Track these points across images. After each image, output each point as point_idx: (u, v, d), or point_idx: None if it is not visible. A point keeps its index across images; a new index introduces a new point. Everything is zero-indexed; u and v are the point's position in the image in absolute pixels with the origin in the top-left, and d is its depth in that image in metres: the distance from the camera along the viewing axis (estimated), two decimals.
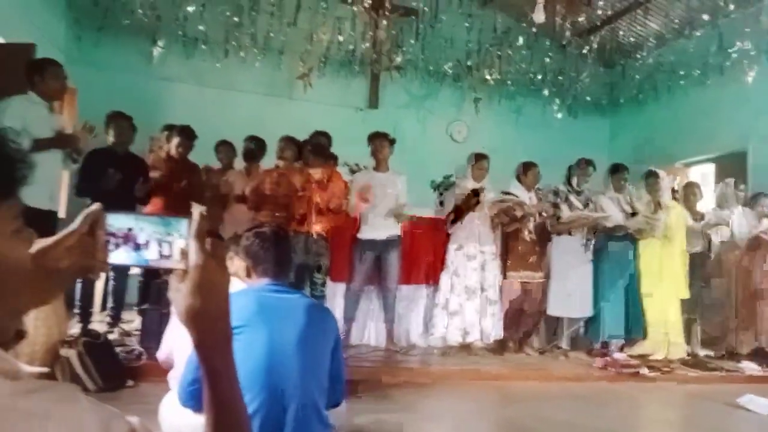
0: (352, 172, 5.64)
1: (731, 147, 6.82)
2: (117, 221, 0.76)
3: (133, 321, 4.65)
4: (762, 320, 5.46)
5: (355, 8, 6.71)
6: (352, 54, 7.26)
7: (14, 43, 4.41)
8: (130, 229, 0.76)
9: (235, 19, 6.54)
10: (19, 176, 0.63)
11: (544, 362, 4.85)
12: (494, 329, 4.79)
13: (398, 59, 6.83)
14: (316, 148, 4.70)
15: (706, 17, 6.23)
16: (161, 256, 0.75)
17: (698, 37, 6.55)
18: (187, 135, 4.81)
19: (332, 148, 5.21)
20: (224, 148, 5.38)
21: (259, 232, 1.94)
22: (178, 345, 2.09)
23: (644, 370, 4.66)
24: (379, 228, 4.68)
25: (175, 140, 4.76)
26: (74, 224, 0.75)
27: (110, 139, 4.43)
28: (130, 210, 4.26)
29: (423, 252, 5.04)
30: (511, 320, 4.90)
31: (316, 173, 4.59)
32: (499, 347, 4.96)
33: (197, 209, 0.71)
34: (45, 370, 3.07)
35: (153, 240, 0.75)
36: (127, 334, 4.38)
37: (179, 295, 0.69)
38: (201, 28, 6.64)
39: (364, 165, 5.41)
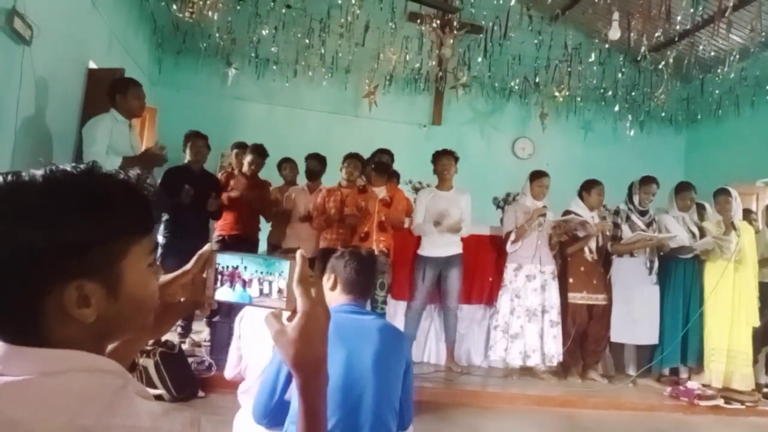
0: (416, 190, 5.67)
1: None
2: (224, 260, 0.82)
3: (201, 332, 4.84)
4: None
5: (422, 27, 6.77)
6: (418, 72, 7.33)
7: (106, 68, 4.75)
8: (236, 267, 0.81)
9: (306, 40, 6.76)
10: (154, 216, 0.70)
11: (611, 389, 4.65)
12: (557, 352, 4.64)
13: (464, 77, 6.82)
14: (379, 166, 4.76)
15: None
16: (261, 293, 0.79)
17: None
18: (260, 153, 5.00)
19: (396, 165, 5.27)
20: (288, 165, 5.54)
21: (353, 253, 1.99)
22: (252, 360, 2.17)
23: (720, 402, 4.38)
24: (440, 245, 4.66)
25: (249, 158, 4.96)
26: (190, 264, 0.83)
27: (187, 157, 4.67)
28: (203, 225, 4.48)
29: (484, 271, 4.98)
30: (574, 343, 4.73)
31: (380, 191, 4.65)
32: (563, 371, 4.79)
33: (300, 252, 0.75)
34: (158, 392, 3.26)
35: (256, 278, 0.79)
36: (198, 345, 4.56)
37: (286, 339, 0.72)
38: (273, 49, 6.91)
39: (427, 183, 5.42)
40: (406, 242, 4.83)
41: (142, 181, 0.69)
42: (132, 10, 5.96)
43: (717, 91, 7.26)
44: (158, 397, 3.25)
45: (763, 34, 6.13)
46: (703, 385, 4.63)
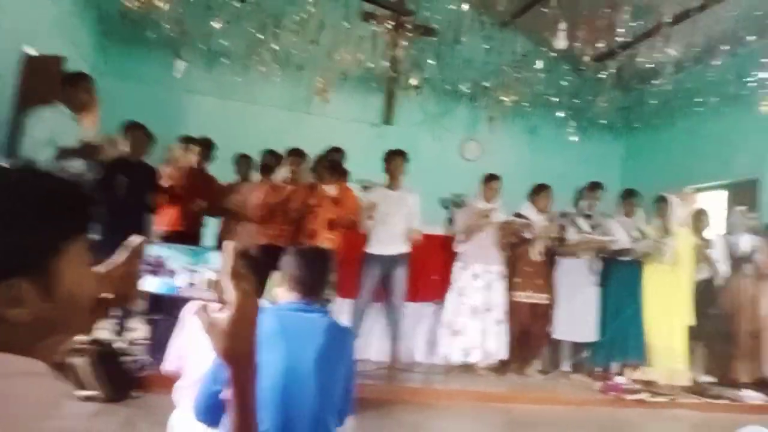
0: (365, 188, 5.73)
1: (744, 174, 6.80)
2: (151, 250, 0.82)
3: (137, 329, 4.74)
4: (766, 350, 5.43)
5: (376, 28, 6.82)
6: (371, 71, 7.37)
7: (46, 55, 4.58)
8: (162, 258, 0.81)
9: (259, 35, 6.69)
10: (92, 214, 0.71)
11: (547, 385, 4.87)
12: (499, 350, 4.81)
13: (416, 78, 6.92)
14: (330, 165, 4.79)
15: (725, 47, 6.24)
16: (189, 285, 0.80)
17: (716, 65, 6.55)
18: (207, 146, 4.92)
19: (347, 163, 5.31)
20: (242, 160, 5.49)
21: (304, 249, 2.00)
22: (192, 358, 2.16)
23: (646, 396, 4.66)
24: (388, 244, 4.74)
25: (195, 151, 4.87)
26: (120, 256, 0.82)
27: (125, 148, 4.53)
28: (138, 219, 4.37)
29: (430, 269, 5.09)
30: (516, 341, 4.92)
31: (330, 189, 4.68)
32: (501, 368, 4.97)
33: (230, 244, 0.75)
34: (91, 392, 3.16)
35: (182, 269, 0.81)
36: (135, 343, 4.44)
37: (218, 331, 0.73)
38: (225, 43, 6.81)
39: (377, 182, 5.48)
40: (354, 240, 4.89)
41: (79, 178, 0.70)
42: None
43: (654, 102, 7.64)
44: (91, 398, 3.19)
45: (697, 48, 6.50)
46: (633, 380, 4.92)
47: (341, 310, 4.91)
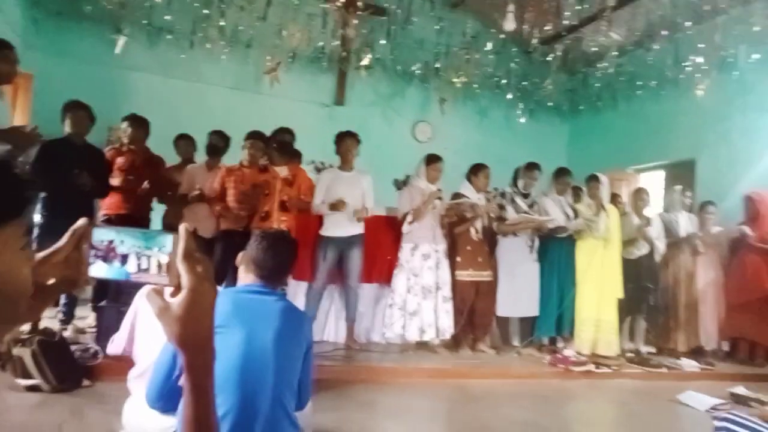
0: (318, 170, 5.68)
1: (681, 156, 7.16)
2: (99, 234, 0.78)
3: (86, 317, 4.56)
4: (702, 321, 5.79)
5: (326, 5, 6.71)
6: (321, 51, 7.26)
7: None
8: (111, 242, 0.77)
9: (204, 11, 6.45)
10: (27, 196, 0.67)
11: (499, 360, 5.01)
12: (450, 326, 4.91)
13: (367, 58, 6.87)
14: (281, 146, 4.71)
15: (664, 32, 6.49)
16: (140, 269, 0.76)
17: (656, 50, 6.82)
18: (138, 123, 4.70)
19: (298, 144, 5.24)
20: (183, 142, 5.29)
21: (266, 233, 1.97)
22: (145, 344, 2.10)
23: (592, 367, 4.88)
24: (342, 225, 4.72)
25: (125, 129, 4.65)
26: (63, 240, 0.77)
27: (66, 129, 4.30)
28: (86, 203, 4.16)
29: (383, 251, 5.12)
30: (464, 318, 5.02)
31: (282, 171, 4.61)
32: (455, 345, 5.08)
33: (183, 226, 0.71)
34: (35, 382, 3.01)
35: (133, 253, 0.77)
36: (82, 331, 4.29)
37: (170, 316, 0.69)
38: (167, 17, 6.52)
39: (330, 163, 5.44)
40: (308, 222, 4.84)
41: (10, 160, 0.66)
42: None
43: (597, 85, 7.90)
44: (35, 388, 3.05)
45: (638, 33, 6.74)
46: (578, 353, 5.13)
47: (297, 292, 4.88)
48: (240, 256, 1.99)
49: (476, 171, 5.19)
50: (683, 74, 6.44)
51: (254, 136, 4.64)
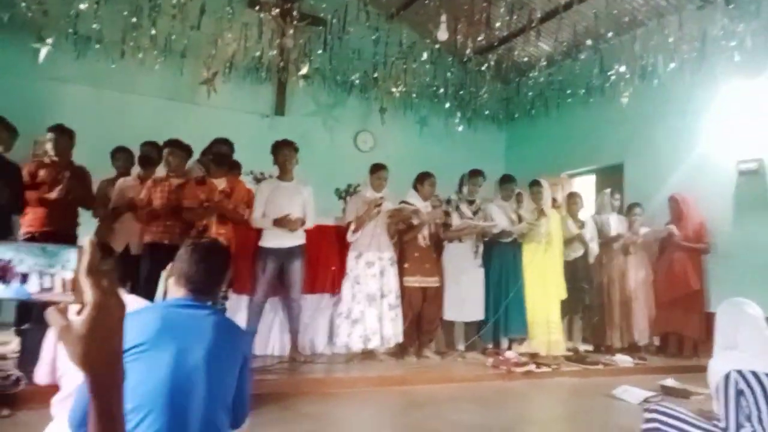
0: (257, 180, 5.59)
1: (610, 160, 7.51)
2: None
3: (8, 343, 4.28)
4: (635, 318, 6.07)
5: (262, 15, 6.65)
6: (259, 60, 7.18)
7: None
8: (9, 261, 0.72)
9: (133, 19, 6.24)
10: None
11: (443, 365, 5.07)
12: (395, 334, 4.93)
13: (305, 68, 6.84)
14: (217, 158, 4.61)
15: (589, 42, 6.82)
16: (42, 288, 0.72)
17: (583, 60, 7.14)
18: (63, 134, 4.49)
19: (237, 155, 5.15)
20: (121, 155, 5.13)
21: (196, 244, 1.89)
22: (68, 368, 1.99)
23: (532, 367, 5.01)
24: (282, 237, 4.66)
25: (49, 140, 4.44)
26: None
27: None
28: (4, 221, 3.92)
29: (327, 261, 5.09)
30: (411, 324, 5.06)
31: (220, 183, 4.51)
32: (400, 352, 5.11)
33: (88, 239, 0.68)
34: None
35: (35, 272, 0.72)
36: (3, 357, 4.03)
37: (72, 336, 0.65)
38: (94, 26, 6.27)
39: (269, 174, 5.37)
40: (247, 234, 4.76)
41: None
42: None
43: (530, 93, 8.18)
44: None
45: (565, 44, 7.05)
46: (520, 354, 5.27)
47: (238, 306, 4.77)
48: (169, 268, 1.92)
49: (422, 179, 5.28)
50: (608, 83, 6.75)
51: (173, 144, 4.49)
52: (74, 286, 0.69)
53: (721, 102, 6.12)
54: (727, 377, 2.74)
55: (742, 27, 5.58)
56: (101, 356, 0.66)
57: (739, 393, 2.69)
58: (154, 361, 1.63)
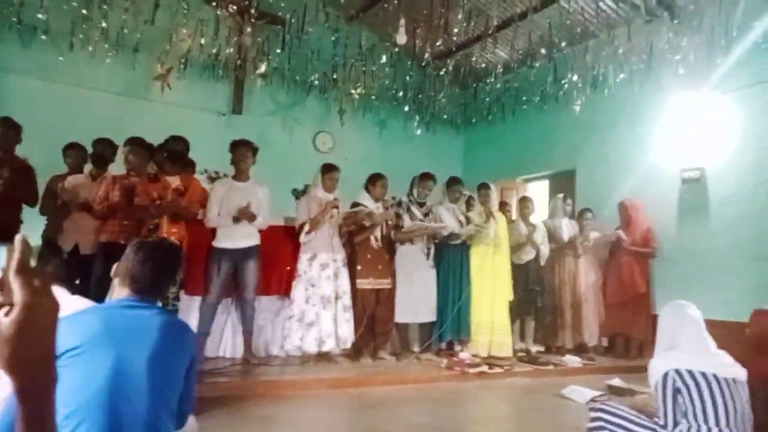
0: (212, 179, 5.49)
1: (563, 166, 7.72)
2: None
3: None
4: (585, 319, 6.25)
5: (219, 11, 6.53)
6: (216, 58, 7.05)
7: None
8: None
9: (83, 10, 6.03)
10: None
11: (398, 366, 5.09)
12: (350, 336, 4.92)
13: (263, 67, 6.76)
14: (172, 156, 4.51)
15: (543, 51, 7.00)
16: None
17: (538, 67, 7.33)
18: (8, 126, 4.30)
19: (192, 153, 5.05)
20: (73, 151, 4.96)
21: (143, 242, 1.84)
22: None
23: (485, 368, 5.09)
24: (236, 237, 4.59)
25: None
26: None
27: None
28: None
29: (280, 261, 5.04)
30: (364, 326, 5.06)
31: (173, 181, 4.41)
32: (355, 354, 5.10)
33: (19, 236, 0.65)
34: None
35: None
36: None
37: None
38: (40, 16, 6.03)
39: (224, 173, 5.28)
40: (200, 234, 4.66)
41: None
42: None
43: (487, 99, 8.34)
44: None
45: (521, 52, 7.22)
46: (473, 355, 5.34)
47: (190, 307, 4.67)
48: (115, 267, 1.87)
49: (374, 181, 5.28)
50: (562, 91, 6.96)
51: (134, 142, 4.39)
52: (2, 286, 0.65)
53: (668, 113, 6.39)
54: (665, 376, 2.86)
55: (686, 41, 5.85)
56: (30, 359, 0.63)
57: (677, 391, 2.82)
58: (92, 365, 1.58)
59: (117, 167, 4.79)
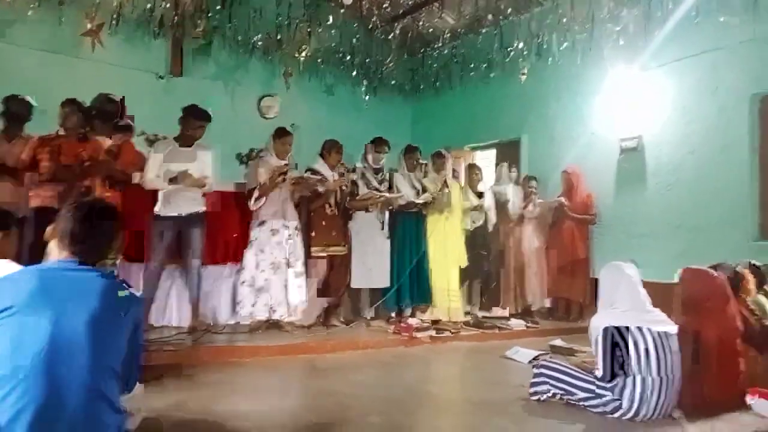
0: (150, 143, 5.23)
1: (509, 135, 7.83)
2: None
3: None
4: (529, 283, 6.46)
5: None
6: (150, 14, 6.63)
7: None
8: None
9: None
10: None
11: (349, 332, 5.10)
12: (301, 303, 4.88)
13: (203, 25, 6.42)
14: (101, 114, 4.25)
15: (490, 17, 6.99)
16: None
17: (484, 34, 7.33)
18: None
19: (130, 115, 4.78)
20: None
21: (80, 202, 1.77)
22: None
23: (432, 333, 5.20)
24: (180, 204, 4.40)
25: None
26: None
27: None
28: None
29: (229, 228, 4.90)
30: (318, 293, 5.04)
31: (105, 142, 4.16)
32: (326, 319, 5.09)
33: None
34: None
35: None
36: None
37: None
38: None
39: (164, 135, 5.02)
40: (140, 199, 4.44)
41: None
42: None
43: (435, 66, 8.29)
44: None
45: (467, 17, 7.18)
46: (421, 320, 5.43)
47: (130, 274, 4.49)
48: (49, 229, 1.76)
49: (329, 148, 5.20)
50: (508, 59, 7.00)
51: (71, 103, 4.11)
52: None
53: (609, 83, 6.54)
54: (605, 331, 3.03)
55: (625, 12, 5.98)
56: None
57: (615, 345, 2.99)
58: (27, 327, 1.51)
59: (33, 128, 4.44)
